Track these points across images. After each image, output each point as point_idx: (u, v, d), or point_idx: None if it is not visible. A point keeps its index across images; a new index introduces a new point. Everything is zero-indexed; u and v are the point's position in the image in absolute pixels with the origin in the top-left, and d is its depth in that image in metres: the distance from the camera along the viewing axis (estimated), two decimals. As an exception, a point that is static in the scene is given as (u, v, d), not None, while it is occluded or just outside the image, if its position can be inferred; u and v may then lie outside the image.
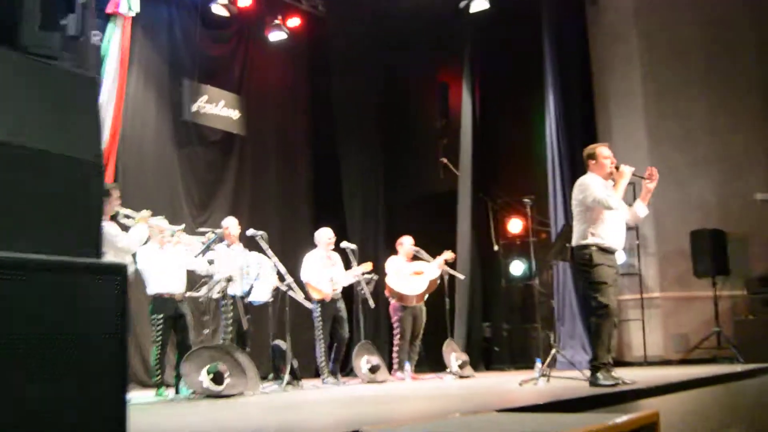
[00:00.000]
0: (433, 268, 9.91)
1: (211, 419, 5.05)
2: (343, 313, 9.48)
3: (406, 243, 10.15)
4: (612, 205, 6.18)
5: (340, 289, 9.51)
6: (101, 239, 2.69)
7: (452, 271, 10.12)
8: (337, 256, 9.64)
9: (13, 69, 2.61)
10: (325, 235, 9.61)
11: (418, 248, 10.06)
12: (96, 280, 2.54)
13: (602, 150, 6.58)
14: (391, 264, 10.00)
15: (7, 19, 2.87)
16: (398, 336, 9.80)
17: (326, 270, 9.40)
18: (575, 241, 6.42)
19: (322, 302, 9.30)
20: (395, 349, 9.85)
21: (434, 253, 10.13)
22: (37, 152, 2.56)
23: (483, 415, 3.64)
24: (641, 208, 6.62)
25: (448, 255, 10.01)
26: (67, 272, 2.48)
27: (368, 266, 9.73)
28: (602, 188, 6.30)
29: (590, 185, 6.33)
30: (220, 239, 8.11)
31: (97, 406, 2.50)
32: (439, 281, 9.99)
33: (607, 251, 6.30)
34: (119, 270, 2.59)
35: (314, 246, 9.65)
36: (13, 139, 2.53)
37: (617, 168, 6.42)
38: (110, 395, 2.54)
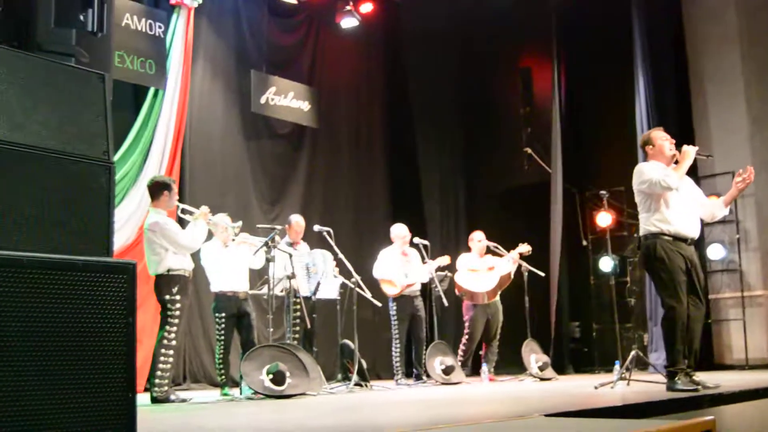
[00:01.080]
0: (505, 262, 9.90)
1: (262, 419, 5.17)
2: (422, 312, 9.57)
3: (475, 238, 10.15)
4: (671, 184, 6.02)
5: (418, 287, 9.58)
6: (111, 236, 2.81)
7: (531, 267, 10.04)
8: (414, 253, 9.72)
9: (19, 67, 2.74)
10: (400, 231, 9.70)
11: (494, 243, 10.04)
12: (102, 278, 2.66)
13: (657, 133, 6.46)
14: (462, 261, 10.05)
15: (22, 16, 3.02)
16: (467, 336, 9.85)
17: (401, 267, 9.49)
18: (641, 231, 6.30)
19: (399, 299, 9.40)
20: (461, 348, 9.90)
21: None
22: (42, 150, 2.70)
23: (527, 419, 3.64)
24: (720, 208, 6.44)
25: (523, 248, 9.96)
26: (72, 271, 2.60)
27: (446, 259, 9.77)
28: (660, 170, 6.16)
29: (646, 170, 6.21)
30: (281, 236, 8.25)
31: (104, 404, 2.62)
32: (512, 276, 9.96)
33: (677, 238, 6.11)
34: (126, 269, 2.71)
35: (390, 243, 9.76)
36: (18, 137, 2.67)
37: (679, 150, 6.27)
38: (117, 393, 2.66)
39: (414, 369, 9.70)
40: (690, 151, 6.22)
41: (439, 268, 9.77)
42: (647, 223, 6.21)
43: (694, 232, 6.24)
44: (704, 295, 6.22)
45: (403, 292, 9.48)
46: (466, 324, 9.94)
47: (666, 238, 6.10)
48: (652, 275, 6.27)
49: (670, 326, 6.02)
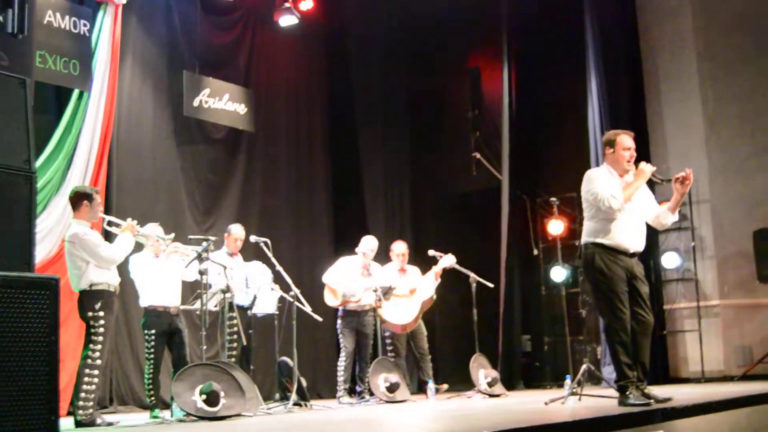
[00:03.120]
0: (427, 282, 9.88)
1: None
2: (368, 330, 9.63)
3: (396, 250, 10.17)
4: (614, 206, 6.09)
5: (367, 304, 9.64)
6: (33, 250, 2.83)
7: (479, 279, 10.14)
8: (377, 268, 9.78)
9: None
10: (367, 245, 9.80)
11: (438, 252, 10.07)
12: (23, 294, 2.68)
13: (623, 139, 6.36)
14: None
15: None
16: (392, 356, 9.90)
17: (359, 279, 9.59)
18: (582, 238, 6.40)
19: (346, 314, 9.51)
20: None
21: (463, 260, 10.19)
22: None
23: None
24: (668, 216, 6.52)
25: (445, 261, 9.92)
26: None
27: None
28: (608, 184, 6.23)
29: (595, 179, 6.27)
30: (215, 247, 8.24)
31: (24, 427, 2.63)
32: (435, 298, 9.96)
33: (616, 251, 6.22)
34: (48, 284, 2.74)
35: (334, 254, 9.83)
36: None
37: (636, 165, 6.34)
38: (39, 416, 2.68)
39: (357, 386, 9.76)
40: (647, 171, 6.22)
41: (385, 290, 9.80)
42: (588, 232, 6.30)
43: (636, 246, 6.29)
44: (650, 307, 6.31)
45: (345, 305, 9.55)
46: (388, 342, 9.97)
47: (605, 249, 6.19)
48: (592, 285, 6.36)
49: (614, 338, 6.12)
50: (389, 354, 9.93)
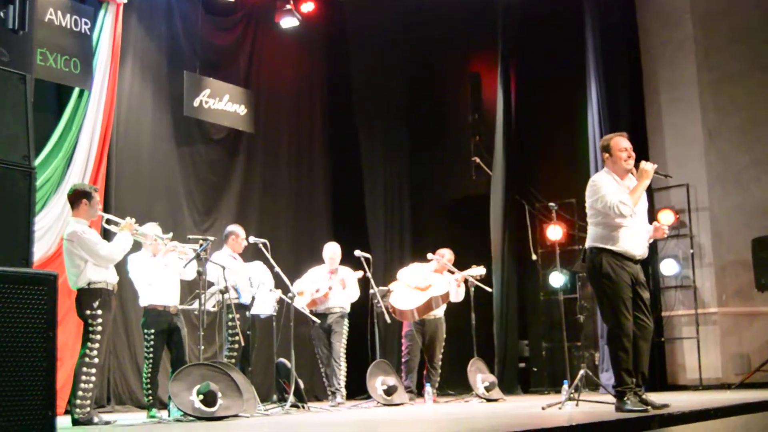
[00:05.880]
0: (445, 283, 9.91)
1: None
2: (337, 327, 9.62)
3: (445, 255, 10.19)
4: (624, 212, 6.10)
5: (336, 305, 9.67)
6: (31, 246, 2.82)
7: (478, 283, 10.13)
8: (345, 272, 9.76)
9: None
10: (328, 251, 9.83)
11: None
12: (21, 290, 2.66)
13: (618, 141, 6.36)
14: (404, 273, 10.13)
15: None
16: (404, 356, 10.01)
17: (322, 284, 9.62)
18: (587, 243, 6.40)
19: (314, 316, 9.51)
20: (402, 368, 10.02)
21: (462, 263, 10.22)
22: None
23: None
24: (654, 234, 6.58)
25: (475, 271, 10.05)
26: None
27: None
28: (616, 191, 6.23)
29: (602, 186, 6.27)
30: (215, 247, 8.24)
31: (21, 423, 2.62)
32: (450, 297, 9.97)
33: (623, 257, 6.22)
34: (46, 280, 2.72)
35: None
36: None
37: (637, 166, 6.34)
38: (36, 411, 2.66)
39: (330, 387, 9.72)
40: (649, 170, 6.22)
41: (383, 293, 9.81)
42: (594, 237, 6.30)
43: (642, 252, 6.31)
44: (650, 313, 6.32)
45: (313, 307, 9.57)
46: (402, 342, 10.05)
47: (612, 254, 6.19)
48: (597, 290, 6.36)
49: (615, 344, 6.12)
50: (404, 353, 9.95)
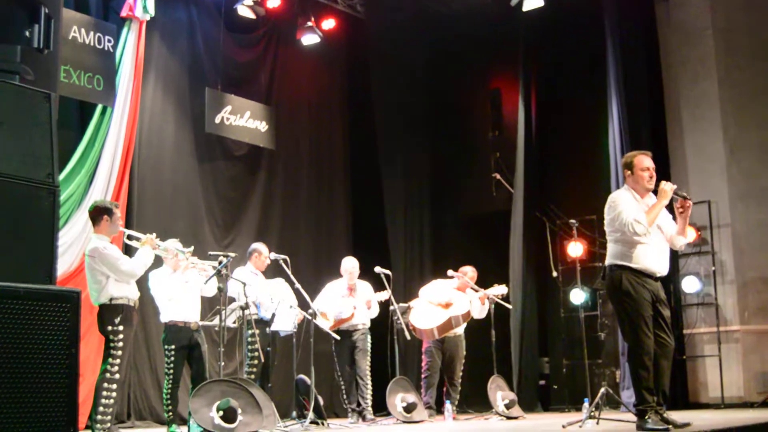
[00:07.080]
0: (466, 301, 9.89)
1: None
2: (361, 345, 9.56)
3: (467, 272, 10.18)
4: (638, 231, 6.07)
5: (359, 320, 9.63)
6: (55, 263, 2.84)
7: (498, 300, 10.11)
8: (364, 287, 9.75)
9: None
10: (346, 265, 9.78)
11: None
12: (45, 307, 2.69)
13: (641, 159, 6.38)
14: (426, 290, 10.11)
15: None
16: (423, 373, 10.00)
17: (343, 300, 9.58)
18: (607, 260, 6.38)
19: (339, 333, 9.45)
20: (422, 385, 10.00)
21: (483, 281, 10.20)
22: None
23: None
24: (679, 239, 6.50)
25: (497, 290, 10.04)
26: (13, 299, 2.62)
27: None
28: (633, 209, 6.22)
29: (620, 203, 6.26)
30: (236, 264, 8.27)
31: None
32: (471, 315, 9.93)
33: (643, 274, 6.20)
34: (70, 297, 2.74)
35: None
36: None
37: (657, 185, 6.32)
38: (58, 429, 2.68)
39: (357, 406, 9.65)
40: (668, 190, 6.20)
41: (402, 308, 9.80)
42: (613, 255, 6.29)
43: (662, 269, 6.30)
44: (671, 331, 6.29)
45: (338, 326, 9.50)
46: (422, 359, 10.05)
47: (632, 271, 6.17)
48: (617, 308, 6.34)
49: (636, 362, 6.10)
50: (424, 369, 9.95)
